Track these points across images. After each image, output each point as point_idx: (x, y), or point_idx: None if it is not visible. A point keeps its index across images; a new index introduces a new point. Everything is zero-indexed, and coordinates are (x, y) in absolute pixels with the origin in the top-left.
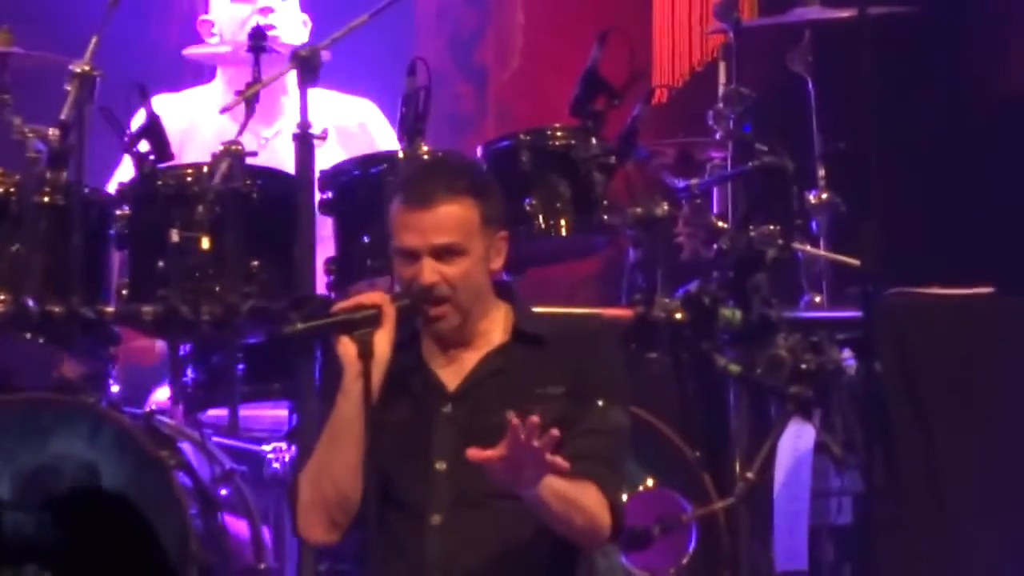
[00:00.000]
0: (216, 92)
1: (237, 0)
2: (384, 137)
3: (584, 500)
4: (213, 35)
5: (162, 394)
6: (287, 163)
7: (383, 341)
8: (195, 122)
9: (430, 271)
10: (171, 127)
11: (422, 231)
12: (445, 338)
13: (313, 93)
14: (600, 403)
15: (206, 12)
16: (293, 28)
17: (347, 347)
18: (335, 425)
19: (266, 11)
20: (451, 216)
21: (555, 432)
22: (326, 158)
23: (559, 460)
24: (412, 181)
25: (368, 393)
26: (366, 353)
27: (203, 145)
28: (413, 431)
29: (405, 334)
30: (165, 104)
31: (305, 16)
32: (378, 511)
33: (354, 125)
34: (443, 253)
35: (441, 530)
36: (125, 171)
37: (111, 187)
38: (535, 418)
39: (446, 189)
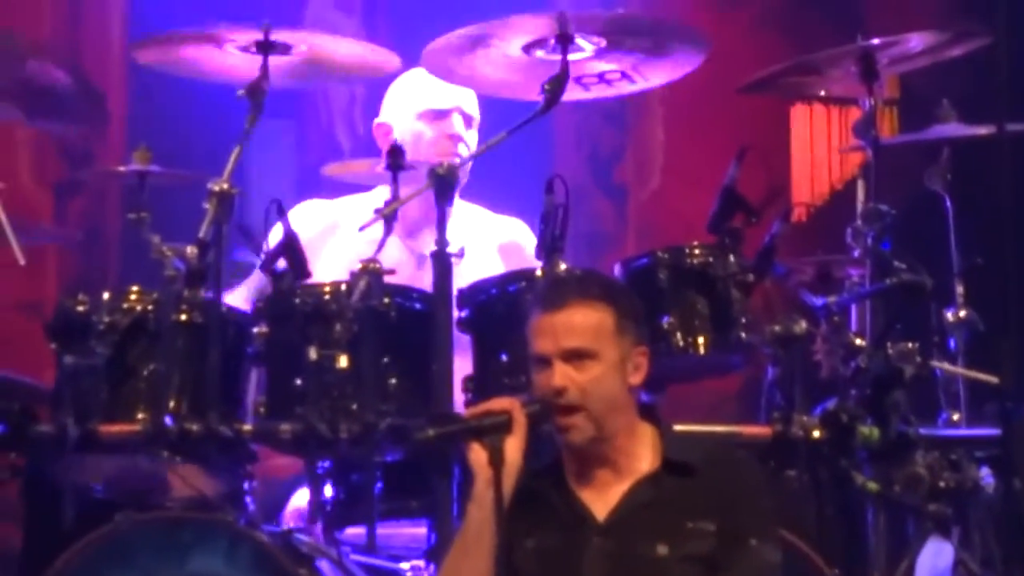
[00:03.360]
0: (374, 203)
1: (424, 119)
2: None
3: None
4: (390, 142)
5: (298, 499)
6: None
7: (514, 448)
8: (342, 228)
9: (560, 375)
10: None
11: (553, 334)
12: (585, 456)
13: (470, 210)
14: (754, 543)
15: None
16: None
17: (478, 453)
18: (466, 533)
19: (457, 139)
20: (582, 319)
21: None
22: (486, 274)
23: None
24: (547, 288)
25: (500, 501)
26: (497, 460)
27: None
28: (560, 559)
29: (548, 459)
30: (320, 209)
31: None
32: None
33: (512, 244)
34: (573, 357)
35: None
36: (251, 283)
37: (231, 298)
38: None
39: (578, 293)
